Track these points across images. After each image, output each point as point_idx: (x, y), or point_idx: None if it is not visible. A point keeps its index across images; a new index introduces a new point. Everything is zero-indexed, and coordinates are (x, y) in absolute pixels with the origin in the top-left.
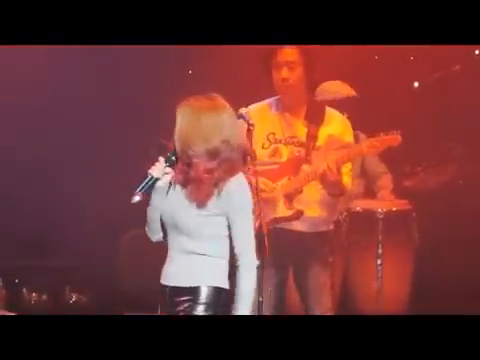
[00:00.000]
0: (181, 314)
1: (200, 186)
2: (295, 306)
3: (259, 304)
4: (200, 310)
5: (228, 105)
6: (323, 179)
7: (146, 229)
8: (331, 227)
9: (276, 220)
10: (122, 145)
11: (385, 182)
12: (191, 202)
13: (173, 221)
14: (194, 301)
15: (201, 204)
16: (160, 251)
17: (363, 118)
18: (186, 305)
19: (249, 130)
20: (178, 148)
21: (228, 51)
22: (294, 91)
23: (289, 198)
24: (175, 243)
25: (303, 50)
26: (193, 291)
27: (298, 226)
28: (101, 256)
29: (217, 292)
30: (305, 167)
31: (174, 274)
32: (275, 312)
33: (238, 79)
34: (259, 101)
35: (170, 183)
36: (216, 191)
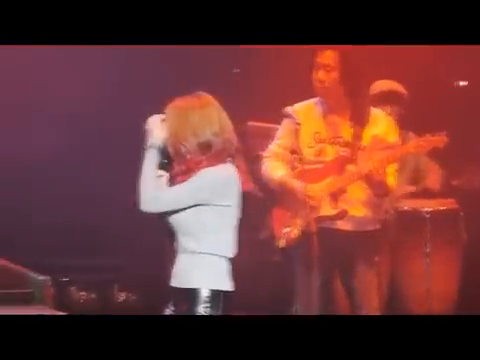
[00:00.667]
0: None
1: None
2: (342, 305)
3: (308, 304)
4: (198, 312)
5: (215, 101)
6: (368, 179)
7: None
8: (377, 226)
9: (321, 219)
10: None
11: (434, 181)
12: None
13: (171, 220)
14: (194, 304)
15: None
16: None
17: (411, 117)
18: (187, 307)
19: (295, 129)
20: (171, 148)
21: (274, 51)
22: (330, 93)
23: (334, 197)
24: (176, 240)
25: (341, 54)
26: (192, 293)
27: (343, 225)
28: (150, 254)
29: (216, 295)
30: (350, 167)
31: (175, 274)
32: (322, 311)
33: (284, 78)
34: (305, 100)
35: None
36: None
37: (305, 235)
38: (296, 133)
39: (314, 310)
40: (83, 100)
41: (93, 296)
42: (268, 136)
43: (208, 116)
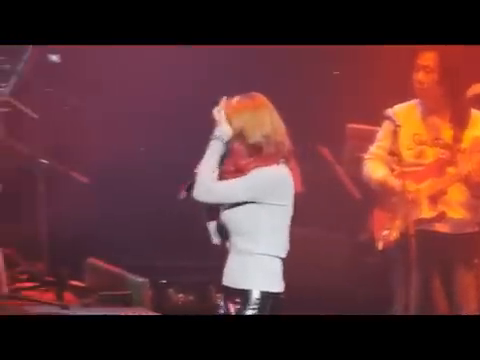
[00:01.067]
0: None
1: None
2: (441, 306)
3: (407, 305)
4: (249, 313)
5: (268, 102)
6: (467, 181)
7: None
8: (476, 229)
9: (420, 221)
10: None
11: None
12: None
13: (224, 220)
14: (244, 304)
15: None
16: (302, 250)
17: None
18: (237, 307)
19: (395, 131)
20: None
21: (374, 52)
22: (430, 95)
23: (433, 200)
24: (229, 240)
25: (441, 55)
26: (243, 294)
27: (442, 227)
28: None
29: (267, 296)
30: (450, 169)
31: (227, 274)
32: (421, 312)
33: (384, 79)
34: (405, 102)
35: None
36: None
37: (404, 237)
38: (396, 135)
39: (413, 311)
40: (167, 101)
41: (191, 298)
42: (368, 138)
43: (260, 118)
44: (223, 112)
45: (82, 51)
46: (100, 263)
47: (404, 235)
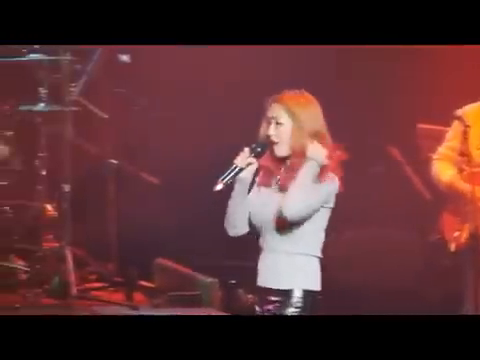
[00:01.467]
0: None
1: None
2: None
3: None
4: (290, 312)
5: (316, 101)
6: None
7: (225, 222)
8: None
9: None
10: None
11: None
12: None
13: (264, 217)
14: (285, 304)
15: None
16: (374, 250)
17: None
18: (277, 306)
19: (465, 131)
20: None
21: (445, 51)
22: None
23: None
24: (265, 241)
25: None
26: (284, 294)
27: None
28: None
29: (308, 295)
30: None
31: (264, 274)
32: None
33: (454, 79)
34: (476, 102)
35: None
36: None
37: (474, 239)
38: (465, 135)
39: None
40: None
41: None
42: (438, 138)
43: (314, 115)
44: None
45: (152, 51)
46: (169, 263)
47: (474, 237)
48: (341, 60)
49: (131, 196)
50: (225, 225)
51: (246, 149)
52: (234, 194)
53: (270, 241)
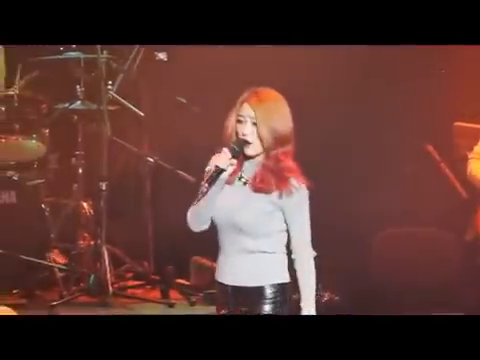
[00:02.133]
0: (247, 313)
1: (270, 175)
2: None
3: None
4: (267, 309)
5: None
6: None
7: (190, 218)
8: None
9: None
10: (380, 145)
11: None
12: (257, 192)
13: (232, 219)
14: (260, 300)
15: (287, 193)
16: (417, 251)
17: None
18: (252, 304)
19: None
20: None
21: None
22: None
23: None
24: (232, 241)
25: None
26: (258, 291)
27: None
28: (351, 255)
29: (282, 288)
30: None
31: (235, 274)
32: None
33: None
34: None
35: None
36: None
37: None
38: None
39: None
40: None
41: (295, 297)
42: (475, 137)
43: (287, 111)
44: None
45: (189, 49)
46: (205, 261)
47: None
48: (377, 60)
49: (168, 194)
50: (191, 221)
51: (225, 149)
52: (210, 193)
53: (239, 240)
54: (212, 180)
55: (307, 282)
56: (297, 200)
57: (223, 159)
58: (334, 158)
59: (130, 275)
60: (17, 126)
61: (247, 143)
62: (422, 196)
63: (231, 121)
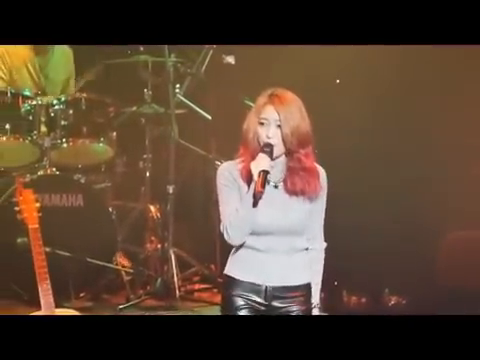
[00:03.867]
0: (293, 313)
1: (310, 176)
2: None
3: None
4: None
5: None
6: None
7: (235, 230)
8: None
9: None
10: (445, 144)
11: None
12: (291, 195)
13: (277, 222)
14: (306, 298)
15: (315, 194)
16: (473, 251)
17: None
18: (298, 301)
19: None
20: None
21: None
22: None
23: None
24: (276, 242)
25: None
26: (304, 288)
27: None
28: (417, 258)
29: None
30: None
31: (279, 273)
32: None
33: None
34: None
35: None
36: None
37: None
38: None
39: None
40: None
41: (363, 300)
42: None
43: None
44: None
45: (257, 51)
46: None
47: None
48: (440, 60)
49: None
50: (237, 234)
51: (261, 154)
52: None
53: (277, 241)
54: (265, 185)
55: (319, 272)
56: (321, 199)
57: (266, 162)
58: (397, 158)
59: (197, 278)
60: (85, 129)
61: (273, 145)
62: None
63: (252, 124)
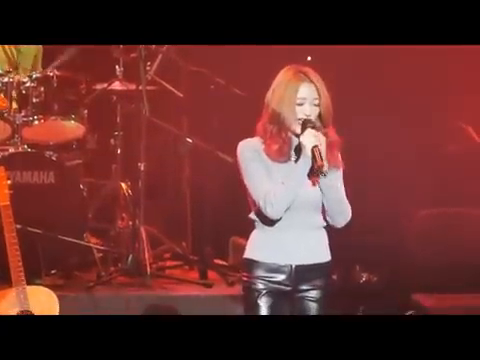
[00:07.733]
0: (312, 292)
1: (335, 149)
2: None
3: None
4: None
5: None
6: None
7: (281, 203)
8: None
9: None
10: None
11: None
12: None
13: (306, 195)
14: (326, 276)
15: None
16: (449, 229)
17: None
18: (318, 282)
19: None
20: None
21: None
22: None
23: None
24: (299, 219)
25: None
26: (324, 266)
27: None
28: (393, 236)
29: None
30: None
31: (303, 251)
32: None
33: None
34: None
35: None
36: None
37: None
38: None
39: None
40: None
41: (334, 277)
42: None
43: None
44: None
45: None
46: (244, 241)
47: None
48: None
49: (206, 174)
50: (280, 207)
51: (310, 129)
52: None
53: (303, 217)
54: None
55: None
56: (340, 174)
57: (315, 136)
58: (372, 139)
59: (168, 256)
60: (56, 106)
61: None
62: (462, 176)
63: (286, 104)
